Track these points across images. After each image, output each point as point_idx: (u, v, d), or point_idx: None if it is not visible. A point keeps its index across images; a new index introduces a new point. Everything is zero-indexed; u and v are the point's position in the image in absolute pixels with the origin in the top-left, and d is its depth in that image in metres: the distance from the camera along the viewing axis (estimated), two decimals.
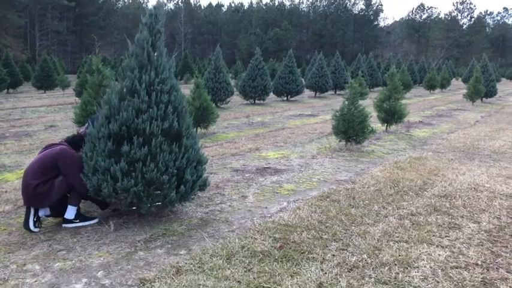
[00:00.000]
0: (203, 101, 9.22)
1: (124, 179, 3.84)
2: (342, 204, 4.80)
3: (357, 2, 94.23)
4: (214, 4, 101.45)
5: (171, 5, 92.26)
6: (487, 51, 79.01)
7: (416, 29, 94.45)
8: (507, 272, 3.33)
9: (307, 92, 20.67)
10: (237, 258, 3.41)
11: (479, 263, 3.47)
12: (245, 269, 3.24)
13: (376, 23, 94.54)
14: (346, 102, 7.88)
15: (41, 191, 3.94)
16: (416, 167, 6.64)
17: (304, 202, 4.85)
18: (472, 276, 3.24)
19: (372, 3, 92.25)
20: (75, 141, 4.35)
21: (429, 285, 3.08)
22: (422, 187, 5.55)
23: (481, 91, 17.36)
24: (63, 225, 4.14)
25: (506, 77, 55.44)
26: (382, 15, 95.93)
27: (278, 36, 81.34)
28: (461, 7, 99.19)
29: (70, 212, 4.14)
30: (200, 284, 3.00)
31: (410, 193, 5.27)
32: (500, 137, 9.69)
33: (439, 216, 4.48)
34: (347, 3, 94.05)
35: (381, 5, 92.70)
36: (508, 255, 3.63)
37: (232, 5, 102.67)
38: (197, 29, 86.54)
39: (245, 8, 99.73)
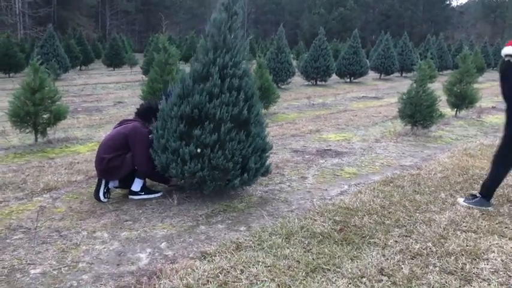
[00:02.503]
0: (265, 81, 9.20)
1: (191, 162, 3.90)
2: (406, 190, 4.63)
3: None
4: None
5: None
6: None
7: (493, 8, 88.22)
8: None
9: (371, 74, 20.05)
10: (296, 238, 3.40)
11: None
12: (304, 249, 3.22)
13: (448, 2, 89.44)
14: (414, 85, 7.55)
15: (113, 164, 4.12)
16: (487, 154, 6.25)
17: (366, 186, 4.74)
18: None
19: None
20: (143, 111, 4.48)
21: (500, 279, 2.91)
22: None
23: None
24: (130, 196, 4.32)
25: None
26: None
27: (342, 16, 79.22)
28: None
29: (136, 185, 4.31)
30: (259, 261, 3.02)
31: (481, 182, 4.98)
32: None
33: None
34: None
35: None
36: None
37: None
38: (260, 9, 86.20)
39: None
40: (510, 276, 2.96)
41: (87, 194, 4.41)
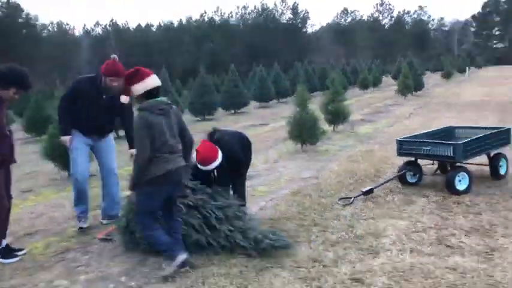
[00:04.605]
0: None
1: None
2: (313, 196, 5.52)
3: (285, 11, 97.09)
4: (143, 25, 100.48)
5: (99, 30, 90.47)
6: (410, 47, 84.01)
7: (343, 32, 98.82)
8: (454, 229, 4.17)
9: (252, 103, 21.48)
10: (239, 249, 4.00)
11: (433, 226, 4.29)
12: (248, 257, 3.84)
13: (304, 30, 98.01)
14: (298, 109, 8.68)
15: None
16: (367, 158, 7.52)
17: (281, 199, 5.52)
18: (429, 236, 4.04)
19: (299, 11, 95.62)
20: None
21: (398, 247, 3.84)
22: (376, 174, 6.40)
23: (411, 86, 19.00)
24: None
25: (430, 70, 59.43)
26: (309, 22, 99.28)
27: (212, 51, 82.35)
28: (381, 8, 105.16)
29: None
30: (215, 273, 3.57)
31: (367, 180, 6.10)
32: (432, 125, 10.88)
33: (394, 196, 5.32)
34: (275, 13, 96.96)
35: (307, 12, 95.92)
36: (453, 217, 4.49)
37: (162, 24, 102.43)
38: (129, 51, 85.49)
39: (175, 26, 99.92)
40: (404, 243, 3.91)
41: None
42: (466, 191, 5.17)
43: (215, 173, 4.39)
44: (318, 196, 5.51)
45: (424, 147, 5.47)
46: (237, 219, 4.00)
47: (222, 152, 4.26)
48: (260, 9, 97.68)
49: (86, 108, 4.66)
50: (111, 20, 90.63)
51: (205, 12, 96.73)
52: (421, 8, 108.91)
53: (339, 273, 3.44)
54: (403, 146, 5.68)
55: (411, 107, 15.80)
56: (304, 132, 8.56)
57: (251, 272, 3.54)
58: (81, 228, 4.93)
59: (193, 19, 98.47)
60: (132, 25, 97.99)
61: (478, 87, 23.89)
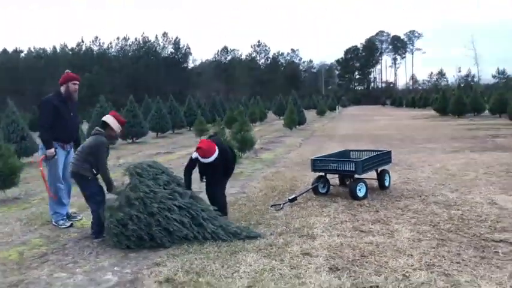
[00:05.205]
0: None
1: None
2: (248, 205, 6.68)
3: (166, 46, 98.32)
4: (10, 50, 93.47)
5: None
6: (284, 86, 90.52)
7: (224, 69, 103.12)
8: (363, 221, 5.64)
9: (150, 134, 21.98)
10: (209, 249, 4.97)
11: (347, 220, 5.73)
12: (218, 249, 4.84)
13: (186, 65, 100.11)
14: (205, 138, 9.81)
15: None
16: (279, 177, 8.92)
17: None
18: (346, 226, 5.45)
19: (180, 46, 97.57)
20: None
21: (328, 234, 5.16)
22: (291, 188, 7.78)
23: (296, 120, 21.39)
24: None
25: (304, 107, 65.08)
26: (191, 57, 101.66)
27: (90, 82, 79.67)
28: (259, 49, 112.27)
29: None
30: (196, 258, 4.50)
31: (286, 193, 7.45)
32: (321, 152, 12.82)
33: (313, 202, 6.72)
34: (156, 47, 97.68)
35: (189, 48, 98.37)
36: (360, 214, 6.00)
37: (33, 49, 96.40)
38: None
39: (48, 53, 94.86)
40: (331, 231, 5.25)
41: None
42: (365, 197, 6.77)
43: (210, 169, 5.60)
44: (252, 205, 6.68)
45: (332, 164, 7.02)
46: (216, 219, 5.04)
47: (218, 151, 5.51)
48: (141, 42, 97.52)
49: (61, 120, 5.54)
50: None
51: (83, 41, 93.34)
52: (293, 50, 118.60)
53: (292, 251, 4.62)
54: (316, 164, 7.16)
55: (299, 138, 17.95)
56: None
57: (225, 254, 4.56)
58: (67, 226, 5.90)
59: (69, 47, 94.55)
60: None
61: (349, 123, 27.54)
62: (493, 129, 19.50)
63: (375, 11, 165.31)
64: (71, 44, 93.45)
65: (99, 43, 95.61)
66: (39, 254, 4.98)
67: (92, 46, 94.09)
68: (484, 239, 4.81)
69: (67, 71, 6.10)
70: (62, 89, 5.86)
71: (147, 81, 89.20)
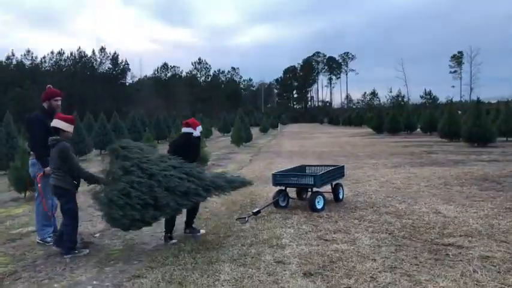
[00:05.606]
0: None
1: None
2: (213, 219, 6.91)
3: (104, 61, 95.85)
4: None
5: None
6: (224, 104, 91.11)
7: (163, 85, 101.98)
8: (325, 231, 6.03)
9: (94, 151, 21.42)
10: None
11: (311, 230, 6.10)
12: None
13: (124, 81, 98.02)
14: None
15: None
16: (238, 192, 9.02)
17: None
18: (311, 236, 5.81)
19: (119, 62, 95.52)
20: None
21: (295, 243, 5.49)
22: (252, 203, 8.07)
23: (243, 137, 21.79)
24: None
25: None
26: (129, 73, 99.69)
27: (21, 97, 75.86)
28: (199, 66, 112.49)
29: None
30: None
31: (248, 207, 7.72)
32: (272, 168, 13.27)
33: (276, 215, 7.05)
34: (93, 62, 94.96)
35: (128, 64, 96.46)
36: (321, 225, 6.39)
37: None
38: None
39: None
40: (298, 241, 5.59)
41: None
42: (323, 208, 7.20)
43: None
44: (217, 219, 6.90)
45: (292, 178, 7.41)
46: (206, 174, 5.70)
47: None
48: (77, 57, 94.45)
49: (48, 136, 5.52)
50: None
51: (14, 55, 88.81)
52: (233, 69, 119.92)
53: (266, 259, 4.90)
54: (277, 178, 7.52)
55: (248, 155, 18.33)
56: None
57: (202, 265, 4.76)
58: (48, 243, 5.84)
59: None
60: None
61: (293, 140, 28.40)
62: (427, 146, 21.02)
63: (308, 34, 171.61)
64: (0, 58, 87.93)
65: (32, 57, 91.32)
66: (10, 272, 4.90)
67: (23, 60, 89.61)
68: (435, 244, 5.34)
69: (49, 86, 6.02)
70: (45, 105, 5.86)
71: (83, 97, 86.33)
